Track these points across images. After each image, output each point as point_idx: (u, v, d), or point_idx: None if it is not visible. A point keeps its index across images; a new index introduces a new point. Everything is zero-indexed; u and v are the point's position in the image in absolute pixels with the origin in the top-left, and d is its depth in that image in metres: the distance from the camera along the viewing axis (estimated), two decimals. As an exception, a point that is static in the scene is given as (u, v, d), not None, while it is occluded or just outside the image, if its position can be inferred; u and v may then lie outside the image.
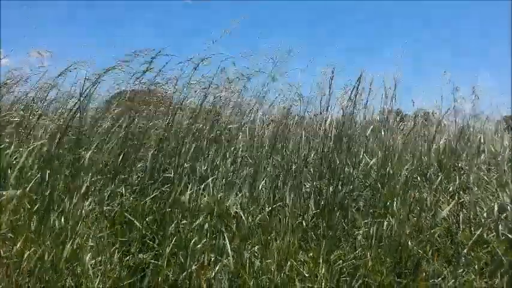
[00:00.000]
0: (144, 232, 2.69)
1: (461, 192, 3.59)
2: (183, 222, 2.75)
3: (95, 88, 3.05)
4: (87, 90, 2.95)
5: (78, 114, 2.91)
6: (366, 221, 3.08)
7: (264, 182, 3.41)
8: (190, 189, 2.96)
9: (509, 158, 4.46)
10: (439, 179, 3.71)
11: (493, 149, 4.58)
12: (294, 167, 3.61)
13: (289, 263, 2.55)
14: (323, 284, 2.53)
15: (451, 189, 3.69)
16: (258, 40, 4.29)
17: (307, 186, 3.47)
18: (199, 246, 2.56)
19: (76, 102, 3.00)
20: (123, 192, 2.92)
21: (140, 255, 2.51)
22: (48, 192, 2.55)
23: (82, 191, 2.65)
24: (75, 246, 2.38)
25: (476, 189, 3.70)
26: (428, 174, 3.92)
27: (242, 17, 3.98)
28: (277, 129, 3.84)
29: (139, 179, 3.20)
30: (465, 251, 2.98)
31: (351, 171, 3.59)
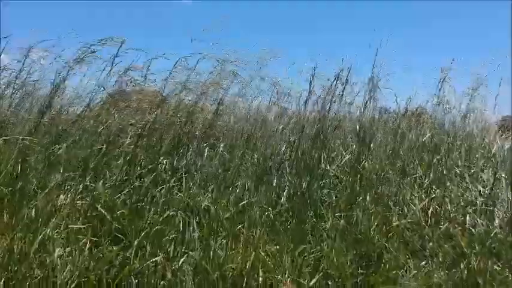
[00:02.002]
0: (115, 225, 2.77)
1: (434, 187, 3.67)
2: (154, 215, 2.84)
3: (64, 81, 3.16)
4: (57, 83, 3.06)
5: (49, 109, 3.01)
6: (336, 214, 3.16)
7: (239, 177, 3.51)
8: (163, 185, 3.06)
9: (488, 156, 4.54)
10: (412, 173, 3.80)
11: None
12: (270, 164, 3.69)
13: (253, 254, 2.63)
14: (286, 274, 2.61)
15: (425, 185, 3.77)
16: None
17: (282, 181, 3.54)
18: (167, 238, 2.65)
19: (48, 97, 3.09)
20: (98, 187, 3.00)
21: (109, 247, 2.59)
22: (21, 185, 2.63)
23: (55, 185, 2.74)
24: (46, 238, 2.47)
25: (449, 184, 3.77)
26: (407, 169, 3.99)
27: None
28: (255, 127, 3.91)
29: (116, 174, 3.27)
30: (430, 244, 3.06)
31: (327, 167, 3.67)
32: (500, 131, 5.28)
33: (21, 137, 3.03)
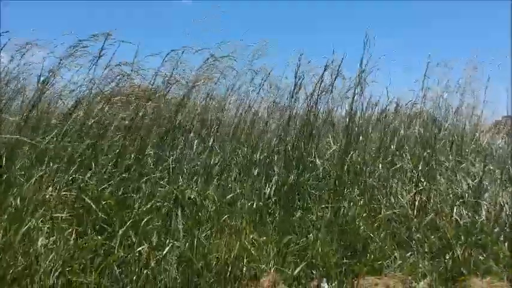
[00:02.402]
0: (101, 216, 2.77)
1: (422, 180, 3.67)
2: (140, 206, 2.85)
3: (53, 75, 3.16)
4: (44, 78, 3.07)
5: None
6: (323, 206, 3.17)
7: (229, 170, 3.53)
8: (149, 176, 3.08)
9: (479, 150, 4.55)
10: (402, 166, 3.81)
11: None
12: (259, 157, 3.69)
13: (238, 243, 2.64)
14: (271, 263, 2.62)
15: (415, 179, 3.77)
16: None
17: (271, 174, 3.55)
18: (151, 227, 2.66)
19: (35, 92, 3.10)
20: (85, 179, 3.00)
21: (95, 237, 2.59)
22: (7, 176, 2.64)
23: (42, 175, 2.75)
24: (31, 227, 2.48)
25: (439, 177, 3.78)
26: (398, 163, 3.99)
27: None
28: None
29: (104, 166, 3.27)
30: (418, 235, 3.07)
31: (315, 159, 3.68)
32: (495, 128, 5.30)
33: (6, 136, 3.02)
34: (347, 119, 3.73)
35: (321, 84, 3.58)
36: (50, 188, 2.88)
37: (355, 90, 3.86)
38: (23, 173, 2.88)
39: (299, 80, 3.60)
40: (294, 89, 3.64)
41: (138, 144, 3.36)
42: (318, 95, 3.67)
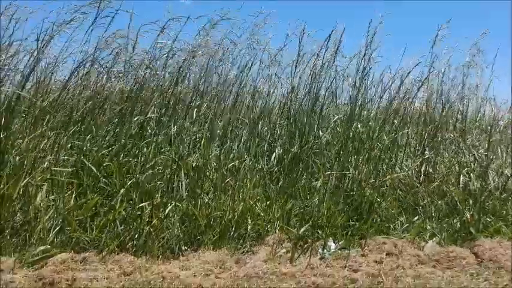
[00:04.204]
0: (101, 178, 2.70)
1: (427, 150, 3.62)
2: (141, 169, 2.79)
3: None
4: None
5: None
6: (327, 172, 3.10)
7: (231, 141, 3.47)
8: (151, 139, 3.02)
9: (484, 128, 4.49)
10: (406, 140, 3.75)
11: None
12: (260, 127, 3.63)
13: (242, 203, 2.58)
14: (276, 223, 2.56)
15: (420, 150, 3.72)
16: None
17: (274, 145, 3.49)
18: (153, 185, 2.60)
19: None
20: (85, 144, 2.94)
21: (95, 197, 2.52)
22: (5, 134, 2.57)
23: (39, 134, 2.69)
24: (31, 182, 2.41)
25: (443, 151, 3.73)
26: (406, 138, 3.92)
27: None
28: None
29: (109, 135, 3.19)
30: (424, 201, 3.02)
31: (319, 132, 3.61)
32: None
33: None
34: (350, 88, 3.67)
35: (325, 52, 3.51)
36: (49, 156, 2.80)
37: (360, 63, 3.79)
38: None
39: (301, 49, 3.52)
40: (297, 59, 3.55)
41: (139, 109, 3.29)
42: (322, 65, 3.60)
